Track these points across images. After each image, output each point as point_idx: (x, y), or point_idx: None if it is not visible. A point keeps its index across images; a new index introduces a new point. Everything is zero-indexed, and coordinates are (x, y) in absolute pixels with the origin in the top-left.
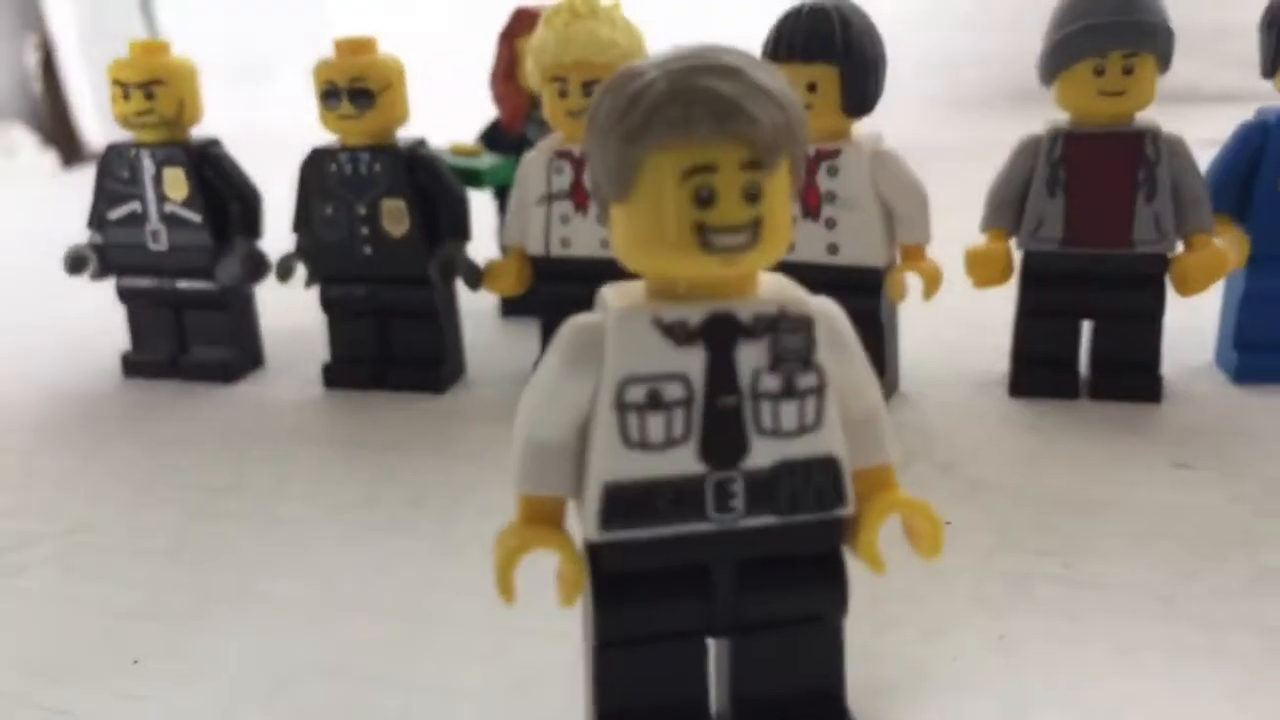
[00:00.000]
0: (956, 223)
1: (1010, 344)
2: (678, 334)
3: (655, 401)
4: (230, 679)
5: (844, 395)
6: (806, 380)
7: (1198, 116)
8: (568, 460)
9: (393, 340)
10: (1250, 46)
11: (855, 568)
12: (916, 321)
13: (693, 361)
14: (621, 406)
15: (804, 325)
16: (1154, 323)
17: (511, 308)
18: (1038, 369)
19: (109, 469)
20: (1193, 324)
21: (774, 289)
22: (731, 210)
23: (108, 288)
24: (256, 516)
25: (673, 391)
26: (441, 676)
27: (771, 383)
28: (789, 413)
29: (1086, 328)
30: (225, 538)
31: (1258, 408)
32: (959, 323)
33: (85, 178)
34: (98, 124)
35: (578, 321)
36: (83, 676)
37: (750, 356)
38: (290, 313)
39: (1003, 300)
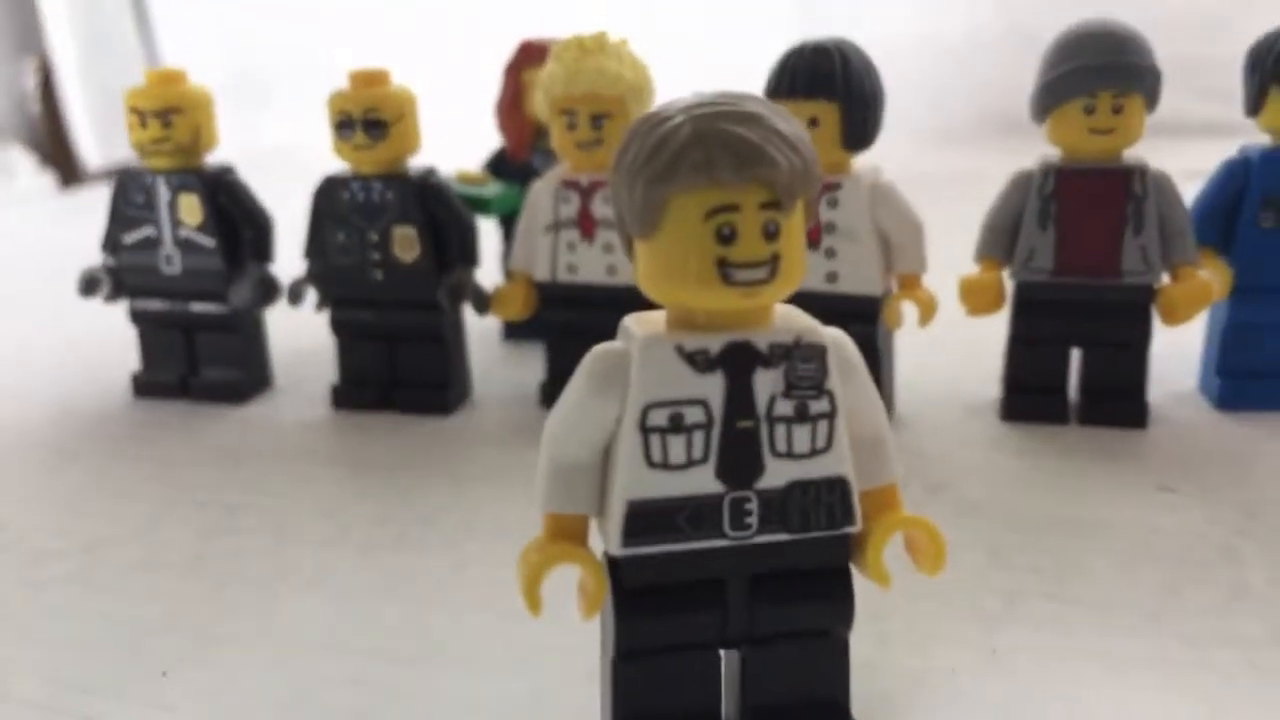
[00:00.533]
0: (947, 250)
1: (1002, 370)
2: (699, 362)
3: (677, 425)
4: (255, 690)
5: (853, 419)
6: (819, 405)
7: (1181, 148)
8: (592, 479)
9: (400, 363)
10: (1232, 79)
11: (857, 583)
12: (912, 348)
13: (713, 387)
14: (645, 429)
15: (818, 354)
16: (1140, 351)
17: (514, 330)
18: (1028, 395)
19: (123, 487)
20: (1178, 352)
21: (788, 319)
22: (752, 247)
23: (112, 307)
24: (271, 534)
25: (694, 415)
26: (459, 689)
27: (786, 408)
28: (802, 436)
29: (1076, 355)
30: (241, 554)
31: (1239, 433)
32: (953, 349)
33: (84, 198)
34: (95, 145)
35: (604, 349)
36: (112, 687)
37: (767, 383)
38: (299, 335)
39: (995, 328)
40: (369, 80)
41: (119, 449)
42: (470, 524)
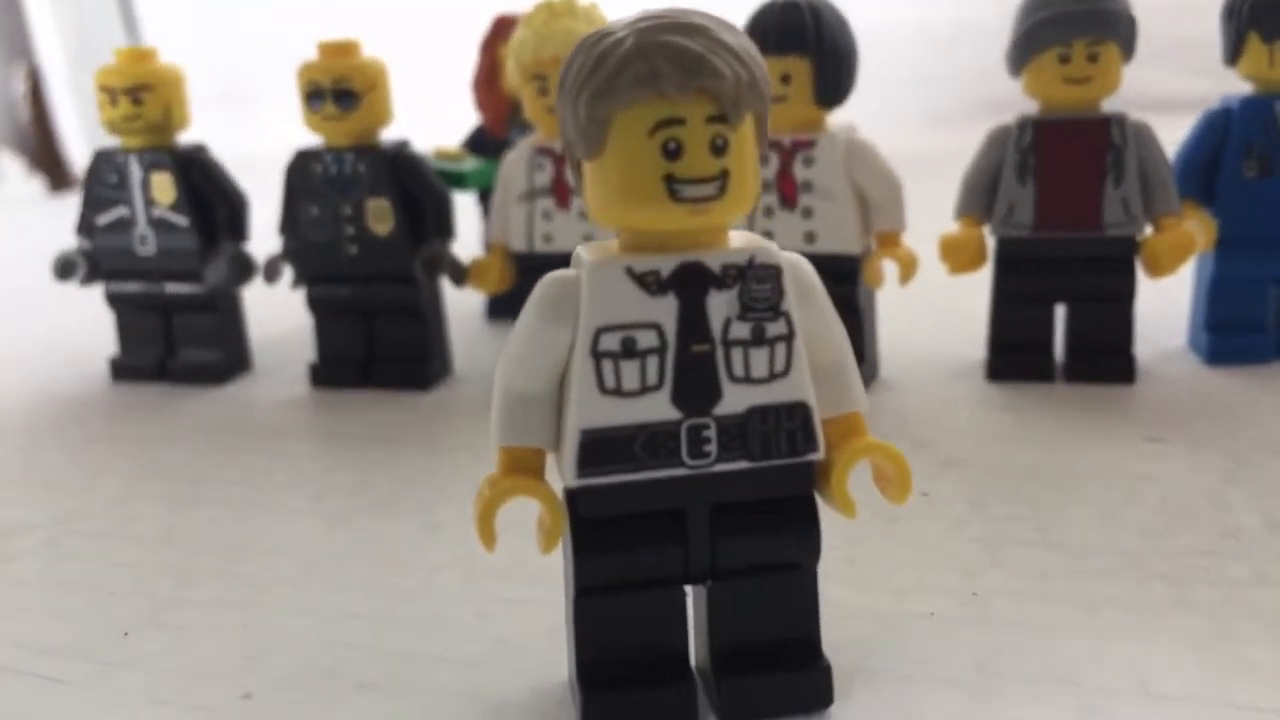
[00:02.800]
0: (933, 224)
1: (986, 330)
2: (650, 284)
3: (630, 349)
4: (215, 649)
5: (812, 344)
6: (775, 328)
7: (1174, 124)
8: (546, 411)
9: (379, 339)
10: (1217, 56)
11: (828, 532)
12: (896, 311)
13: (665, 310)
14: (597, 355)
15: (772, 274)
16: (1126, 305)
17: (497, 309)
18: (1014, 353)
19: (98, 464)
20: (1167, 310)
21: (743, 241)
22: (699, 162)
23: (94, 300)
24: (242, 504)
25: (646, 339)
26: (422, 644)
27: (742, 330)
28: (759, 360)
29: (1060, 312)
30: (211, 523)
31: (1229, 386)
32: (937, 312)
33: (72, 203)
34: (84, 151)
35: (554, 275)
36: (75, 649)
37: (721, 305)
38: (277, 315)
39: (979, 291)
40: (339, 50)
41: (94, 430)
42: (444, 489)
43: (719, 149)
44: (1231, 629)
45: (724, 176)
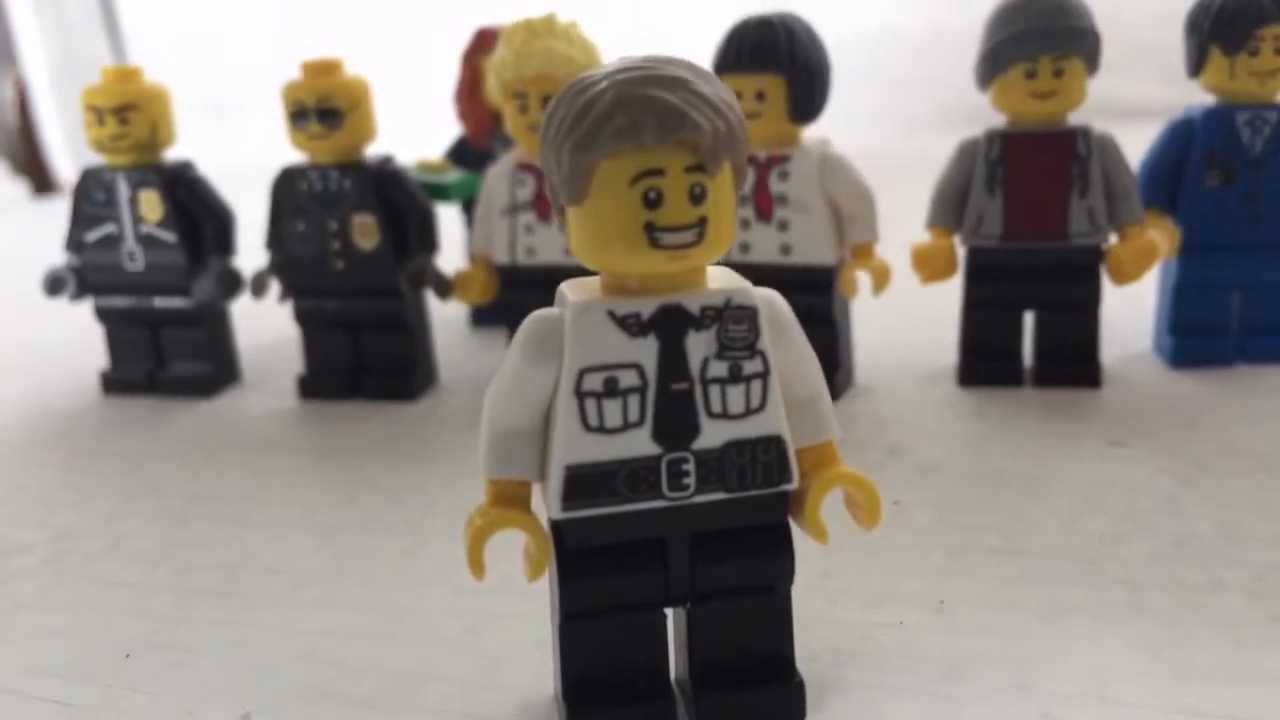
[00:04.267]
0: (907, 233)
1: (958, 337)
2: (631, 326)
3: (612, 389)
4: (213, 669)
5: (787, 378)
6: (752, 366)
7: (1142, 131)
8: (532, 445)
9: (366, 351)
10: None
11: (804, 542)
12: (870, 319)
13: (646, 351)
14: (580, 394)
15: (748, 315)
16: (1092, 311)
17: (481, 318)
18: (984, 359)
19: (92, 481)
20: (1132, 314)
21: (721, 282)
22: (678, 211)
23: (81, 309)
24: (235, 521)
25: (628, 379)
26: (413, 661)
27: (720, 369)
28: (736, 396)
29: (1029, 319)
30: (206, 541)
31: (1191, 388)
32: (910, 320)
33: (55, 207)
34: (67, 155)
35: (539, 315)
36: (78, 671)
37: (699, 345)
38: (264, 327)
39: (950, 298)
40: (322, 70)
41: (88, 445)
42: (433, 504)
43: (697, 197)
44: (1185, 634)
45: (702, 223)
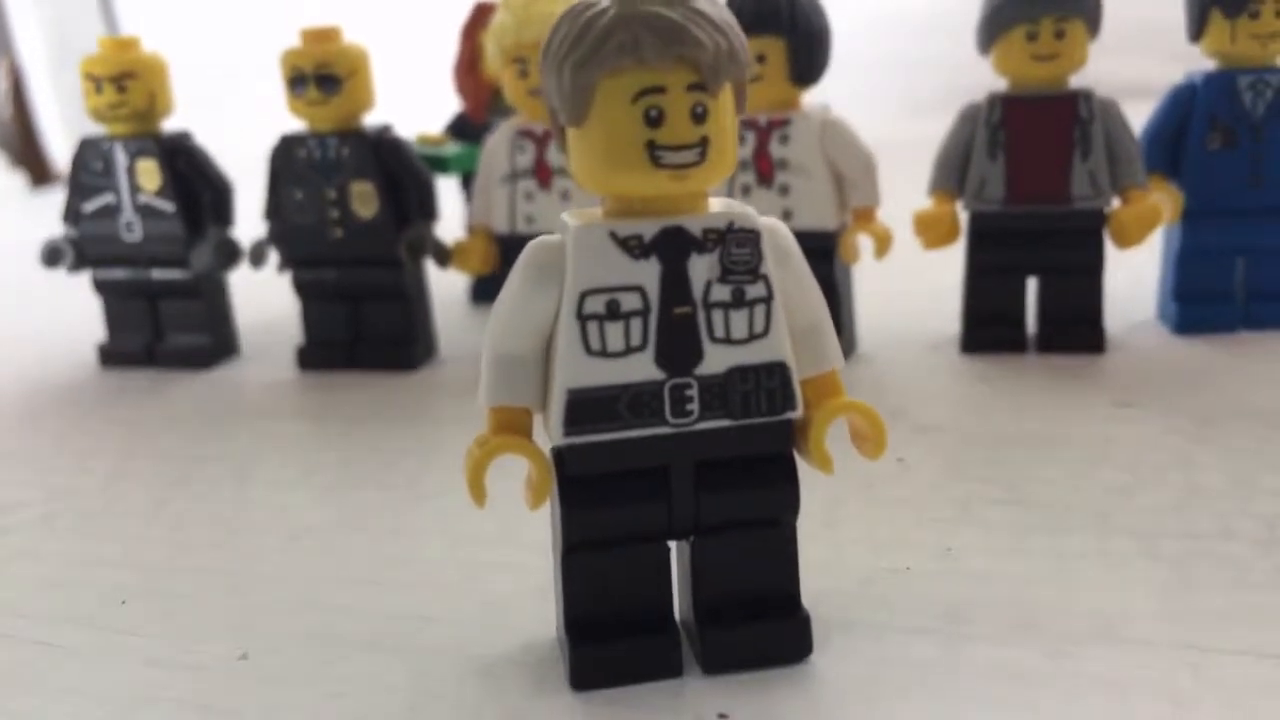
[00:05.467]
0: (909, 206)
1: (961, 303)
2: (633, 247)
3: (614, 311)
4: (209, 614)
5: (789, 305)
6: (755, 290)
7: (1140, 109)
8: (533, 372)
9: (365, 321)
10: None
11: (808, 494)
12: (873, 288)
13: (648, 274)
14: (582, 317)
15: (751, 239)
16: (1095, 276)
17: (481, 292)
18: (987, 326)
19: (89, 446)
20: (1137, 282)
21: (723, 207)
22: (680, 129)
23: (80, 289)
24: (232, 480)
25: (630, 302)
26: (412, 606)
27: (722, 293)
28: (739, 321)
29: (1032, 285)
30: (202, 498)
31: (1197, 353)
32: (913, 288)
33: (53, 199)
34: (65, 147)
35: (540, 241)
36: (71, 616)
37: (702, 268)
38: (262, 298)
39: (953, 267)
40: (320, 36)
41: (85, 413)
42: (430, 463)
43: (699, 116)
44: (1195, 577)
45: (704, 143)
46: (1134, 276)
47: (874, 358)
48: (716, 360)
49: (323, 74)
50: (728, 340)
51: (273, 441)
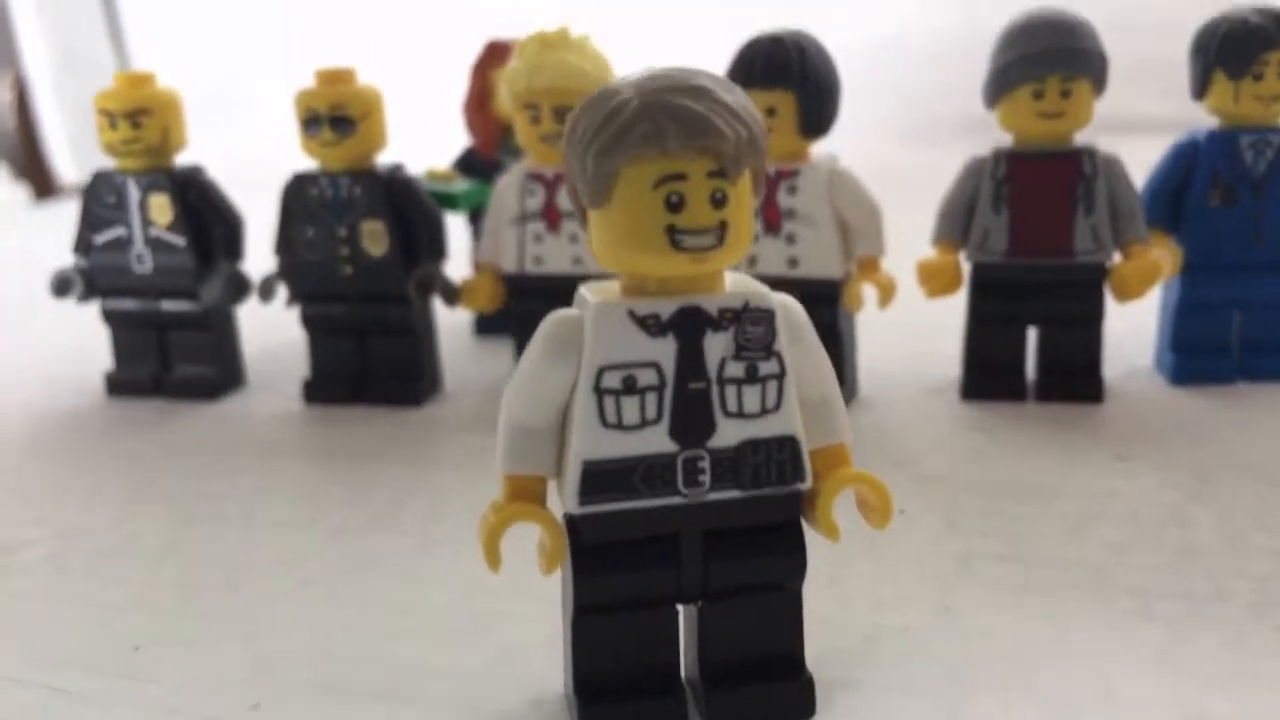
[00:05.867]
0: (911, 241)
1: (961, 350)
2: (651, 326)
3: (630, 386)
4: (222, 662)
5: (801, 380)
6: (768, 367)
7: (1141, 145)
8: (549, 442)
9: (372, 356)
10: (1185, 78)
11: (813, 550)
12: (874, 331)
13: (665, 350)
14: (599, 391)
15: (766, 318)
16: (1095, 327)
17: (485, 325)
18: (987, 373)
19: (97, 480)
20: (1133, 330)
21: (738, 285)
22: (700, 214)
23: (85, 312)
24: (242, 520)
25: (646, 377)
26: (422, 656)
27: (736, 369)
28: (752, 396)
29: (1032, 334)
30: (212, 539)
31: (1193, 405)
32: (914, 332)
33: (56, 211)
34: (69, 159)
35: (559, 315)
36: (82, 662)
37: (717, 346)
38: (271, 331)
39: (954, 311)
40: (335, 78)
41: (92, 445)
42: (439, 507)
43: (718, 202)
44: (1192, 641)
45: (722, 227)
46: (1130, 325)
47: (875, 402)
48: (729, 434)
49: (337, 115)
50: (740, 414)
51: (280, 480)
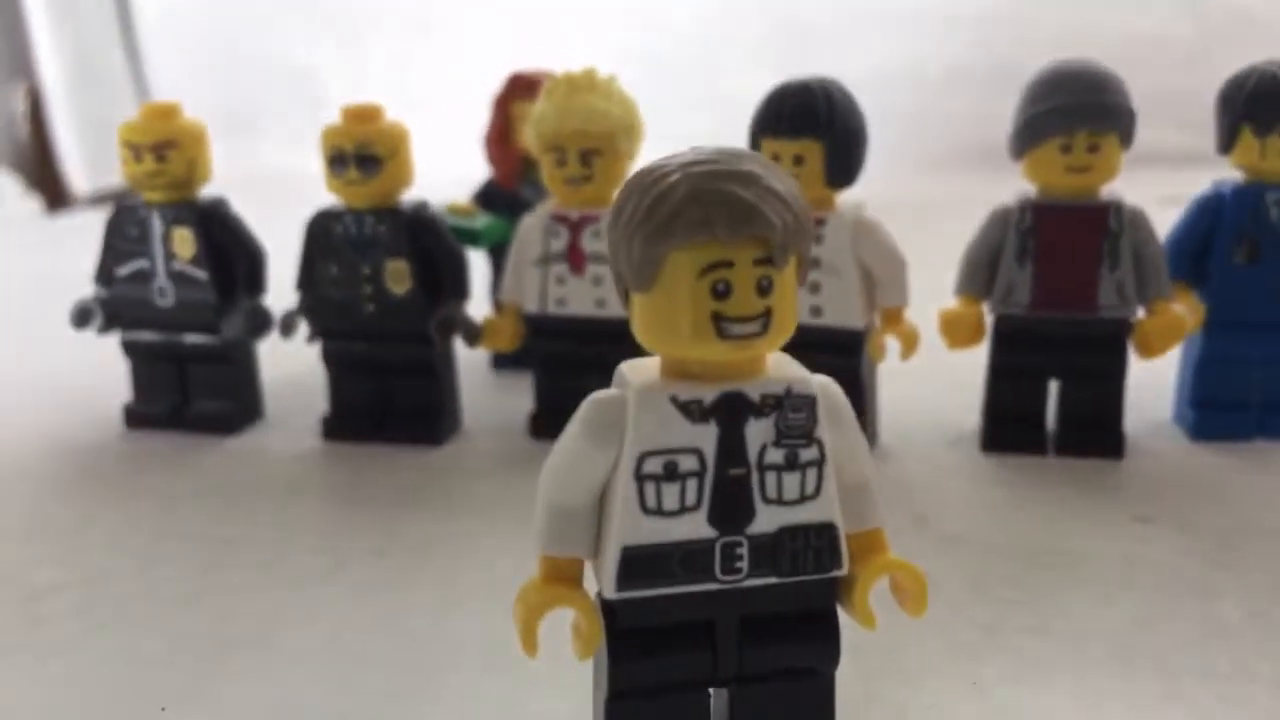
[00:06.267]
0: (926, 276)
1: (982, 401)
2: (693, 412)
3: (671, 472)
4: None
5: (840, 464)
6: (808, 453)
7: (1158, 177)
8: (587, 522)
9: (392, 394)
10: (1206, 111)
11: (841, 618)
12: (895, 380)
13: (706, 436)
14: (640, 477)
15: (807, 403)
16: (1117, 383)
17: (503, 361)
18: (1008, 426)
19: (120, 520)
20: (1153, 384)
21: (779, 368)
22: (745, 302)
23: (98, 336)
24: (267, 569)
25: (687, 463)
26: None
27: (777, 456)
28: (792, 483)
29: (1054, 387)
30: (238, 588)
31: (1214, 463)
32: (934, 381)
33: (70, 223)
34: (82, 171)
35: (601, 397)
36: None
37: (758, 432)
38: (290, 366)
39: (976, 360)
40: (362, 116)
41: (113, 481)
42: (461, 558)
43: (764, 289)
44: None
45: (768, 314)
46: (1149, 378)
47: (896, 452)
48: (767, 520)
49: (364, 154)
50: (780, 501)
51: (303, 523)
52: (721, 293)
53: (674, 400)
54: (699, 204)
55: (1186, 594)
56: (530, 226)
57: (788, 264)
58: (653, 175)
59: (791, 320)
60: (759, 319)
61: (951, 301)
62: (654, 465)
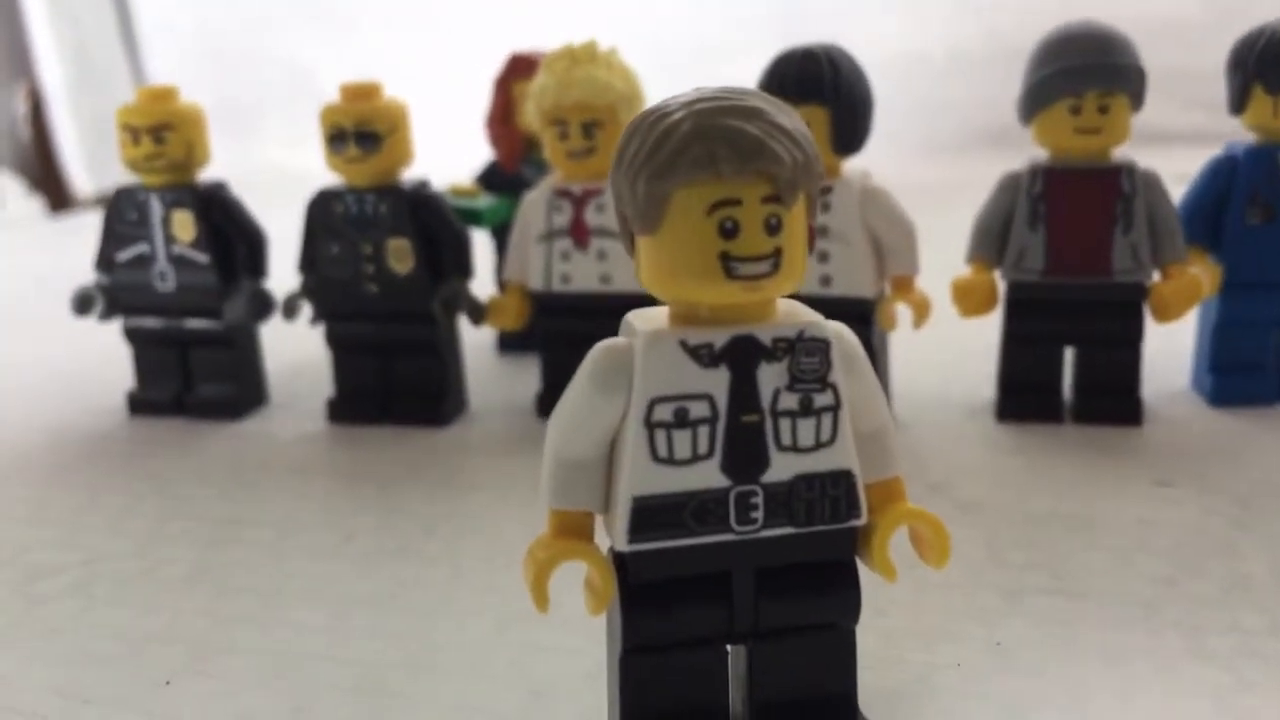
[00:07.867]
0: (938, 255)
1: (996, 371)
2: (703, 356)
3: (682, 419)
4: (256, 699)
5: (855, 411)
6: (823, 399)
7: (1167, 155)
8: (596, 476)
9: (397, 375)
10: (1214, 89)
11: (862, 579)
12: (908, 350)
13: (717, 382)
14: (650, 424)
15: (821, 347)
16: (1133, 348)
17: (509, 343)
18: (1023, 394)
19: (122, 503)
20: (1170, 350)
21: (791, 313)
22: (754, 241)
23: (103, 328)
24: (271, 546)
25: (699, 410)
26: (458, 694)
27: (790, 401)
28: (806, 429)
29: (1069, 354)
30: (241, 566)
31: (1232, 427)
32: (948, 351)
33: (72, 224)
34: (85, 171)
35: (608, 346)
36: (114, 698)
37: (771, 377)
38: (294, 350)
39: (989, 329)
40: (361, 93)
41: (116, 466)
42: (469, 532)
43: (773, 228)
44: (1248, 680)
45: (777, 254)
46: (1166, 344)
47: (909, 423)
48: (782, 468)
49: (363, 131)
50: (794, 448)
51: (307, 502)
52: (729, 231)
53: (683, 345)
54: (704, 140)
55: (1209, 554)
56: (533, 202)
57: (796, 202)
58: (656, 114)
59: (802, 262)
60: (769, 259)
61: (963, 273)
62: (664, 412)
